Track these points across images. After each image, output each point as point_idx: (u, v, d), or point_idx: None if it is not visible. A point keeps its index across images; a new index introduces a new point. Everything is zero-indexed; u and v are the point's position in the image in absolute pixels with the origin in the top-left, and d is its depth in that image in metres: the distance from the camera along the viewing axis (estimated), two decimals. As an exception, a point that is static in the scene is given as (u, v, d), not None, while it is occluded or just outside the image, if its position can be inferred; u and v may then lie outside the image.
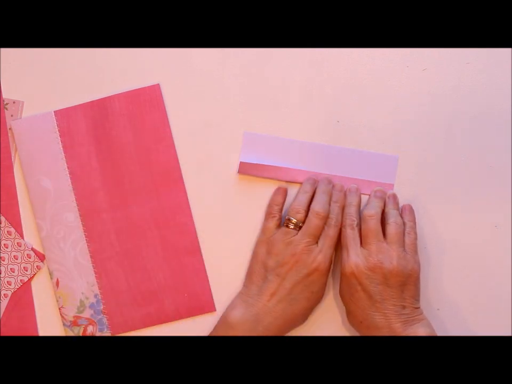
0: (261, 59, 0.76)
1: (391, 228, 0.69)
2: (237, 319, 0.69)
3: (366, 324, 0.68)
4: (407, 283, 0.68)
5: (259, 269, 0.71)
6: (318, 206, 0.70)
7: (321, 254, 0.69)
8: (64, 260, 0.74)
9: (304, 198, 0.72)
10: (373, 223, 0.69)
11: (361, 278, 0.67)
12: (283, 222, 0.71)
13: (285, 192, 0.73)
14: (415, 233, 0.70)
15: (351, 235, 0.69)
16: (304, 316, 0.71)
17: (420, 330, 0.66)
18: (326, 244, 0.70)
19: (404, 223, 0.71)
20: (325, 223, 0.70)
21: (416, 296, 0.68)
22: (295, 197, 0.73)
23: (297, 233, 0.70)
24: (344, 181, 0.74)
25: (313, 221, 0.70)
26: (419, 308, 0.68)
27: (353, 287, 0.68)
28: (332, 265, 0.72)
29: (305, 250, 0.69)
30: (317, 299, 0.70)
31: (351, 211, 0.71)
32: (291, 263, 0.69)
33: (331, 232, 0.70)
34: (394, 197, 0.72)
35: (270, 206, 0.73)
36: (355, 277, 0.67)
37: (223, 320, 0.71)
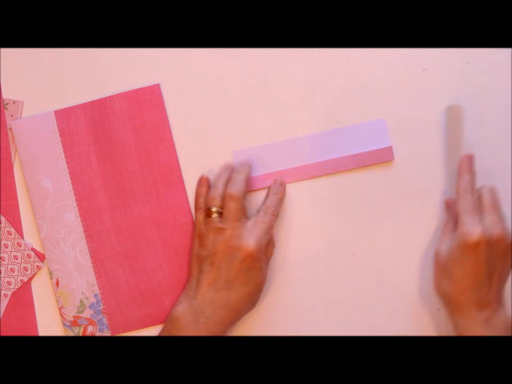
0: (261, 59, 0.76)
1: (497, 199, 0.68)
2: (179, 312, 0.69)
3: (466, 295, 0.65)
4: (509, 254, 0.66)
5: (195, 261, 0.71)
6: (231, 188, 0.70)
7: (252, 238, 0.68)
8: (64, 260, 0.74)
9: (218, 184, 0.71)
10: (494, 194, 0.67)
11: (485, 251, 0.64)
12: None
13: (207, 182, 0.73)
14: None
15: (471, 201, 0.67)
16: (249, 301, 0.69)
17: (503, 316, 0.65)
18: (258, 228, 0.68)
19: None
20: (243, 205, 0.69)
21: (507, 278, 0.67)
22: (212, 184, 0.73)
23: (220, 220, 0.69)
24: (343, 161, 0.73)
25: (230, 205, 0.69)
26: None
27: (472, 256, 0.64)
28: (272, 250, 0.72)
29: (234, 235, 0.68)
30: (257, 282, 0.69)
31: (468, 183, 0.68)
32: (221, 249, 0.68)
33: (267, 219, 0.69)
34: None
35: (196, 198, 0.73)
36: (479, 246, 0.64)
37: (169, 316, 0.71)
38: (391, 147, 0.74)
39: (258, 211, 0.71)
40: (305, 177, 0.74)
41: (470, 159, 0.70)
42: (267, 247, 0.71)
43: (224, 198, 0.70)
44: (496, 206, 0.67)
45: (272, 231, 0.72)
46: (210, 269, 0.69)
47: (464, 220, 0.66)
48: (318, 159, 0.74)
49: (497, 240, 0.65)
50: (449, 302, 0.67)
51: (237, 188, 0.70)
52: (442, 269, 0.67)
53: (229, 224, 0.69)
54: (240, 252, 0.68)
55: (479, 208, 0.67)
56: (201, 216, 0.71)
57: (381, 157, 0.74)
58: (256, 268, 0.68)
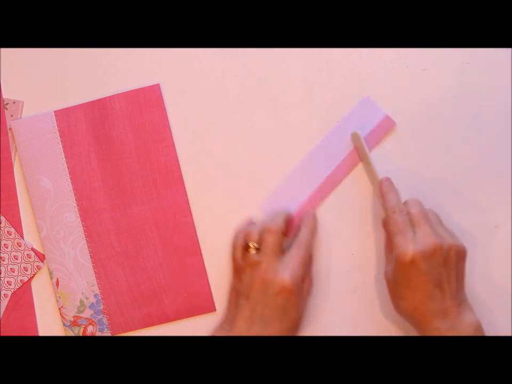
0: (261, 59, 0.76)
1: (433, 213, 0.69)
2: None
3: (421, 310, 0.65)
4: (460, 261, 0.67)
5: (233, 296, 0.70)
6: (269, 222, 0.70)
7: (287, 272, 0.67)
8: (64, 260, 0.74)
9: (257, 222, 0.72)
10: (419, 206, 0.68)
11: (422, 263, 0.64)
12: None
13: (249, 222, 0.74)
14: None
15: (401, 220, 0.67)
16: (290, 332, 0.68)
17: (469, 318, 0.65)
18: (293, 262, 0.68)
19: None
20: (280, 239, 0.69)
21: (464, 277, 0.68)
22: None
23: (257, 255, 0.69)
24: (355, 153, 0.74)
25: (267, 238, 0.68)
26: (464, 289, 0.68)
27: (413, 273, 0.65)
28: (310, 286, 0.71)
29: (270, 269, 0.67)
30: (293, 320, 0.68)
31: (394, 201, 0.69)
32: (257, 284, 0.67)
33: (301, 253, 0.69)
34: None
35: (235, 235, 0.72)
36: (415, 263, 0.65)
37: None
38: (387, 115, 0.74)
39: (292, 246, 0.70)
40: (333, 188, 0.74)
41: (388, 180, 0.71)
42: (304, 282, 0.69)
43: (262, 232, 0.69)
44: (424, 216, 0.67)
45: (310, 267, 0.71)
46: (246, 303, 0.68)
47: (395, 241, 0.66)
48: (334, 166, 0.74)
49: (432, 251, 0.65)
50: (410, 319, 0.67)
51: (275, 222, 0.70)
52: (393, 291, 0.68)
53: (266, 258, 0.68)
54: (275, 286, 0.66)
55: (410, 222, 0.67)
56: (239, 252, 0.70)
57: (384, 129, 0.74)
58: (291, 302, 0.67)
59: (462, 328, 0.65)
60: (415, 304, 0.66)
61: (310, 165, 0.74)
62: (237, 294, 0.70)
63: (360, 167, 0.74)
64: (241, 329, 0.67)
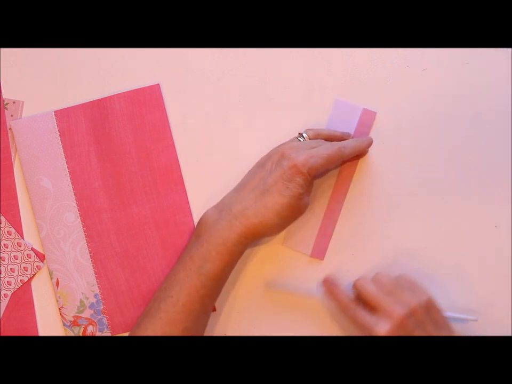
0: (261, 59, 0.76)
1: (383, 277, 0.69)
2: (207, 211, 0.70)
3: None
4: (431, 311, 0.66)
5: (252, 170, 0.72)
6: (341, 143, 0.70)
7: (306, 155, 0.67)
8: (64, 260, 0.74)
9: (326, 130, 0.73)
10: (369, 285, 0.68)
11: (406, 331, 0.64)
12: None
13: None
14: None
15: (354, 310, 0.67)
16: (277, 215, 0.67)
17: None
18: (319, 152, 0.67)
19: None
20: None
21: (444, 319, 0.67)
22: None
23: (298, 141, 0.71)
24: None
25: (323, 144, 0.69)
26: (452, 329, 0.67)
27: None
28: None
29: (294, 149, 0.68)
30: (292, 196, 0.66)
31: (344, 298, 0.68)
32: (278, 155, 0.68)
33: (332, 149, 0.68)
34: None
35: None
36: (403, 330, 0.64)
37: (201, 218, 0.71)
38: (364, 109, 0.74)
39: (331, 142, 0.70)
40: (345, 196, 0.75)
41: (326, 282, 0.70)
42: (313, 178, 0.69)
43: (317, 149, 0.68)
44: (376, 296, 0.66)
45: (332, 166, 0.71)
46: (258, 171, 0.69)
47: (364, 331, 0.66)
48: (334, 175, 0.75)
49: (400, 324, 0.64)
50: None
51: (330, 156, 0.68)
52: None
53: (302, 144, 0.69)
54: (288, 160, 0.67)
55: (369, 304, 0.67)
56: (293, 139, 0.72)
57: (368, 123, 0.74)
58: (296, 182, 0.66)
59: None
60: None
61: None
62: (258, 166, 0.71)
63: (360, 167, 0.74)
64: (243, 193, 0.68)
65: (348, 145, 0.70)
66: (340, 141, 0.71)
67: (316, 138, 0.71)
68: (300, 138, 0.72)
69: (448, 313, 0.69)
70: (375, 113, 0.74)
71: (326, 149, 0.68)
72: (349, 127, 0.74)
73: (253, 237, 0.67)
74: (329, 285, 0.70)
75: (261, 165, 0.70)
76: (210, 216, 0.69)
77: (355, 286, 0.69)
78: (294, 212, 0.68)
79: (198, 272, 0.66)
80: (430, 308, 0.66)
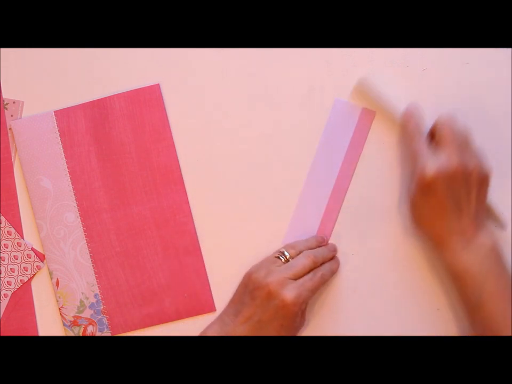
0: (261, 59, 0.76)
1: (465, 132, 0.69)
2: (210, 333, 0.70)
3: (438, 228, 0.66)
4: (482, 184, 0.67)
5: (241, 289, 0.71)
6: (314, 252, 0.70)
7: (295, 291, 0.67)
8: (64, 260, 0.74)
9: (304, 243, 0.72)
10: (453, 126, 0.68)
11: (441, 185, 0.65)
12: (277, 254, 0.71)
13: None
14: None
15: (421, 137, 0.68)
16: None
17: (484, 238, 0.66)
18: (305, 285, 0.67)
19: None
20: (311, 270, 0.69)
21: (485, 201, 0.68)
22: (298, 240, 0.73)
23: (281, 264, 0.69)
24: (349, 156, 0.74)
25: (301, 260, 0.69)
26: (485, 212, 0.68)
27: (431, 194, 0.66)
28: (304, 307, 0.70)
29: (281, 282, 0.67)
30: (288, 332, 0.68)
31: (414, 127, 0.69)
32: (265, 290, 0.67)
33: (315, 279, 0.68)
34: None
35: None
36: (435, 185, 0.65)
37: (200, 333, 0.71)
38: (364, 108, 0.74)
39: (311, 272, 0.70)
40: (343, 197, 0.74)
41: (410, 109, 0.71)
42: (305, 305, 0.70)
43: (302, 253, 0.70)
44: (450, 137, 0.67)
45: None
46: (250, 303, 0.68)
47: (417, 161, 0.67)
48: (335, 177, 0.74)
49: (453, 173, 0.65)
50: (429, 239, 0.69)
51: (316, 255, 0.70)
52: (412, 210, 0.69)
53: (287, 273, 0.68)
54: (278, 300, 0.67)
55: (436, 143, 0.68)
56: (273, 256, 0.71)
57: (367, 122, 0.74)
58: (289, 320, 0.67)
59: (476, 245, 0.66)
60: (432, 223, 0.67)
61: (313, 185, 0.74)
62: (245, 288, 0.70)
63: (359, 168, 0.74)
64: (240, 326, 0.68)
65: (326, 270, 0.70)
66: (316, 247, 0.72)
67: (296, 254, 0.71)
68: (281, 257, 0.70)
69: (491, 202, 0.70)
70: (375, 112, 0.74)
71: (311, 280, 0.68)
72: (349, 127, 0.74)
73: None
74: (412, 109, 0.71)
75: (251, 295, 0.69)
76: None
77: (439, 118, 0.69)
78: (294, 334, 0.70)
79: None
80: (483, 181, 0.67)
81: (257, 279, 0.69)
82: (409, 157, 0.69)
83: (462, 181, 0.66)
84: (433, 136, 0.69)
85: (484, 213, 0.68)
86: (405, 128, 0.71)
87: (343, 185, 0.74)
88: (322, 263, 0.71)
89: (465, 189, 0.66)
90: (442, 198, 0.65)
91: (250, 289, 0.69)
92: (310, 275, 0.69)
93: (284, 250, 0.71)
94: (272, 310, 0.67)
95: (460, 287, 0.67)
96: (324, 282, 0.70)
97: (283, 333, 0.67)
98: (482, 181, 0.67)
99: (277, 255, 0.71)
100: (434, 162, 0.66)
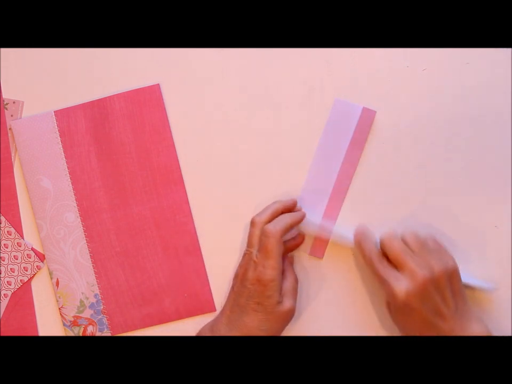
0: (261, 59, 0.76)
1: (411, 236, 0.68)
2: (204, 327, 0.72)
3: (426, 333, 0.66)
4: (453, 281, 0.67)
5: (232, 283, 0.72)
6: (258, 213, 0.70)
7: (258, 265, 0.67)
8: (64, 260, 0.74)
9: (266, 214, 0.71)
10: (396, 242, 0.68)
11: (416, 302, 0.65)
12: None
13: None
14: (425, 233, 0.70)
15: (379, 264, 0.67)
16: (261, 330, 0.68)
17: (475, 329, 0.66)
18: (261, 254, 0.67)
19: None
20: (278, 242, 0.68)
21: (461, 291, 0.67)
22: None
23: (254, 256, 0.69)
24: (351, 151, 0.74)
25: (250, 229, 0.70)
26: (467, 301, 0.68)
27: (408, 312, 0.66)
28: (295, 283, 0.70)
29: (246, 261, 0.68)
30: (267, 312, 0.67)
31: (370, 247, 0.69)
32: (239, 275, 0.69)
33: (268, 243, 0.67)
34: None
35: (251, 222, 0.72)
36: (408, 304, 0.65)
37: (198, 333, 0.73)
38: (365, 107, 0.74)
39: (261, 233, 0.69)
40: (343, 197, 0.74)
41: (359, 230, 0.71)
42: (286, 278, 0.69)
43: (261, 235, 0.69)
44: (403, 252, 0.66)
45: (291, 262, 0.72)
46: (231, 292, 0.70)
47: (384, 285, 0.66)
48: (335, 177, 0.74)
49: (422, 287, 0.65)
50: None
51: (260, 216, 0.70)
52: (395, 319, 0.69)
53: (248, 250, 0.69)
54: (249, 279, 0.67)
55: (392, 262, 0.67)
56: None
57: (368, 122, 0.74)
58: (264, 295, 0.67)
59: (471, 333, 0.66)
60: (418, 332, 0.66)
61: (313, 184, 0.74)
62: (231, 288, 0.71)
63: (359, 168, 0.74)
64: (225, 315, 0.69)
65: (278, 220, 0.69)
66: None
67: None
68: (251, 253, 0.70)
69: (467, 280, 0.69)
70: (375, 112, 0.74)
71: (264, 244, 0.67)
72: (349, 127, 0.74)
73: None
74: (359, 234, 0.70)
75: (232, 284, 0.71)
76: (204, 333, 0.71)
77: (382, 241, 0.68)
78: (276, 322, 0.68)
79: None
80: (452, 276, 0.66)
81: (236, 270, 0.71)
82: (375, 279, 0.68)
83: (433, 289, 0.65)
84: (386, 256, 0.69)
85: (465, 303, 0.67)
86: (361, 252, 0.70)
87: (343, 186, 0.74)
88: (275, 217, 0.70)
89: (439, 295, 0.65)
90: (421, 312, 0.65)
91: (233, 282, 0.71)
92: (262, 241, 0.68)
93: (247, 247, 0.70)
94: (246, 290, 0.68)
95: None
96: (276, 237, 0.68)
97: (261, 312, 0.67)
98: (452, 277, 0.66)
99: (245, 252, 0.70)
100: (400, 285, 0.65)
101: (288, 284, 0.70)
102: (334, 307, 0.74)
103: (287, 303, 0.68)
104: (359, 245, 0.70)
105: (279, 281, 0.68)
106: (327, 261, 0.74)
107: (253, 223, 0.69)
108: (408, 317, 0.66)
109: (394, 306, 0.67)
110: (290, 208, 0.72)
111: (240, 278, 0.69)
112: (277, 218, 0.70)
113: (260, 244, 0.68)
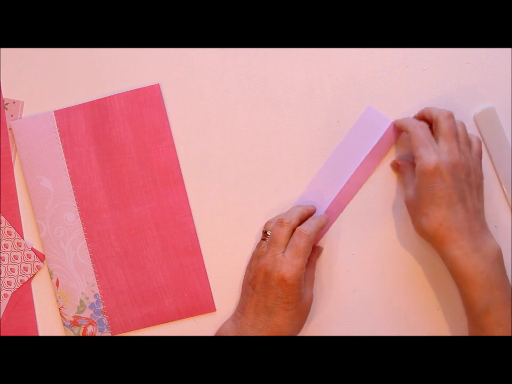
0: (261, 59, 0.76)
1: (464, 130, 0.69)
2: (224, 330, 0.71)
3: (446, 225, 0.64)
4: (480, 186, 0.67)
5: (244, 284, 0.72)
6: (284, 214, 0.70)
7: (286, 264, 0.67)
8: (64, 260, 0.74)
9: (280, 214, 0.72)
10: (451, 122, 0.67)
11: (446, 173, 0.64)
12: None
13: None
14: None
15: (423, 134, 0.67)
16: (291, 324, 0.68)
17: (492, 241, 0.65)
18: (291, 253, 0.67)
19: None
20: (291, 232, 0.69)
21: (483, 202, 0.68)
22: None
23: (266, 245, 0.69)
24: (368, 162, 0.74)
25: (275, 229, 0.69)
26: (484, 219, 0.68)
27: (437, 184, 0.64)
28: (312, 272, 0.71)
29: (270, 261, 0.68)
30: (297, 306, 0.68)
31: (413, 119, 0.70)
32: (261, 275, 0.68)
33: (301, 243, 0.68)
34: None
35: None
36: (439, 172, 0.64)
37: (216, 332, 0.72)
38: (392, 121, 0.73)
39: (293, 235, 0.69)
40: (350, 198, 0.74)
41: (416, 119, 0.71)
42: (304, 270, 0.69)
43: (275, 222, 0.70)
44: (451, 132, 0.67)
45: (310, 255, 0.71)
46: (253, 292, 0.69)
47: (418, 153, 0.66)
48: (343, 182, 0.74)
49: (455, 164, 0.65)
50: (433, 239, 0.66)
51: (288, 216, 0.70)
52: (415, 210, 0.67)
53: (271, 249, 0.68)
54: (274, 279, 0.67)
55: (435, 138, 0.68)
56: (260, 240, 0.72)
57: (392, 137, 0.74)
58: (293, 294, 0.67)
59: (486, 250, 0.64)
60: (439, 220, 0.65)
61: (317, 187, 0.74)
62: (247, 282, 0.71)
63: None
64: (249, 316, 0.69)
65: (308, 225, 0.69)
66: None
67: (275, 223, 0.70)
68: (266, 239, 0.70)
69: None
70: (402, 132, 0.74)
71: (297, 246, 0.67)
72: (373, 137, 0.74)
73: None
74: (398, 121, 0.72)
75: (251, 284, 0.70)
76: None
77: (438, 116, 0.68)
78: (303, 315, 0.70)
79: None
80: (479, 186, 0.68)
81: (252, 268, 0.70)
82: (412, 148, 0.68)
83: (463, 174, 0.66)
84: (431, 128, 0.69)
85: (484, 216, 0.67)
86: (404, 128, 0.71)
87: (350, 191, 0.74)
88: (302, 221, 0.71)
89: (466, 183, 0.66)
90: (448, 190, 0.64)
91: (249, 279, 0.70)
92: (294, 240, 0.68)
93: (265, 229, 0.71)
94: (272, 290, 0.67)
95: (467, 291, 0.64)
96: (310, 238, 0.68)
97: (291, 310, 0.67)
98: (479, 184, 0.68)
99: (262, 238, 0.71)
100: (436, 153, 0.66)
101: (307, 273, 0.71)
102: (333, 307, 0.74)
103: (308, 293, 0.70)
104: (401, 125, 0.71)
105: (303, 279, 0.68)
106: (328, 261, 0.74)
107: (281, 224, 0.69)
108: (434, 194, 0.64)
109: (423, 179, 0.65)
110: (311, 213, 0.73)
111: (262, 278, 0.68)
112: (307, 221, 0.70)
113: (291, 243, 0.68)
